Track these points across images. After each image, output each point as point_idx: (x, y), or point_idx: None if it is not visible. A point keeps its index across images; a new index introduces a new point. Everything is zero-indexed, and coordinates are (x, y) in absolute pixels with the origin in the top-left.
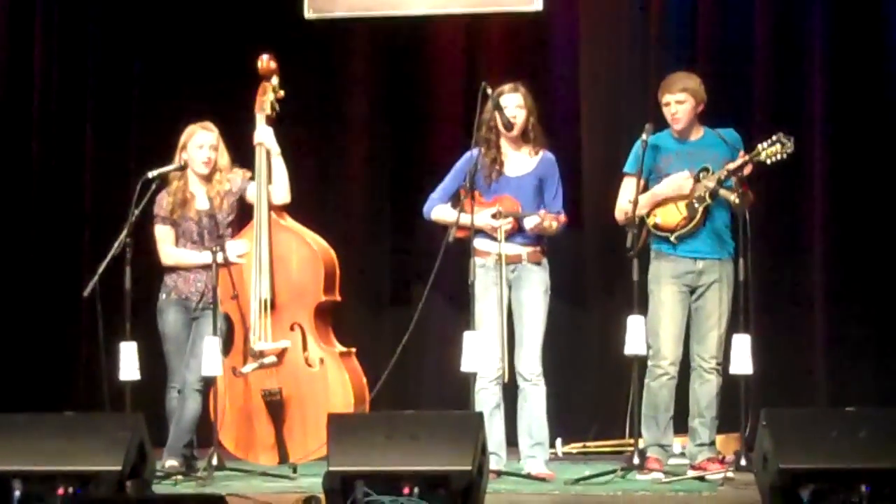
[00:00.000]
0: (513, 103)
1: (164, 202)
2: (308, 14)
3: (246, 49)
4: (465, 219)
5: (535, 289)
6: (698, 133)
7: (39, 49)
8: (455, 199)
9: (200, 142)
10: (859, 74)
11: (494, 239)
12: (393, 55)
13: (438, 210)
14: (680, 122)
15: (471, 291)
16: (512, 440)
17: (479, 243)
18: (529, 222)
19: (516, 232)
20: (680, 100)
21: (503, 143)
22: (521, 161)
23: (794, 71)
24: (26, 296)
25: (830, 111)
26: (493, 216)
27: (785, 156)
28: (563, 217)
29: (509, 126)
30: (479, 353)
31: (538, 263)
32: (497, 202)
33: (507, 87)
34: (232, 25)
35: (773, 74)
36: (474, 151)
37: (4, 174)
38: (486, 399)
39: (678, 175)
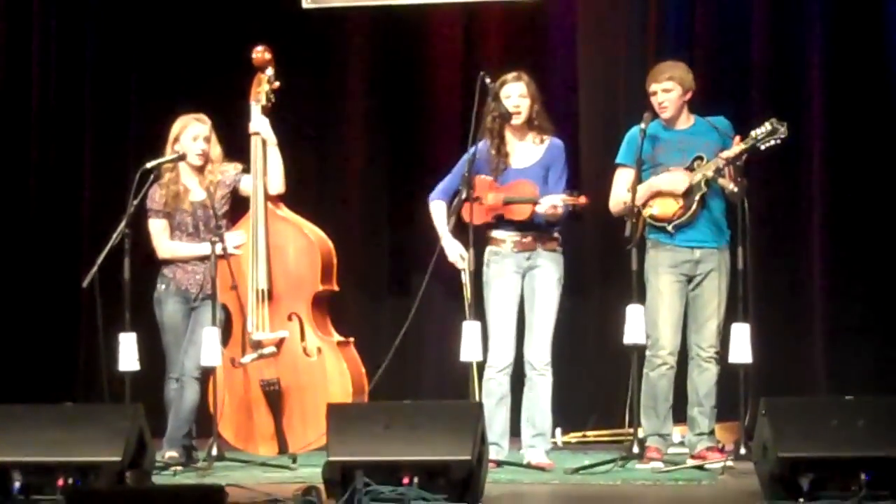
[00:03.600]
0: (516, 92)
1: (156, 195)
2: (306, 4)
3: (244, 40)
4: (442, 230)
5: (549, 277)
6: (689, 121)
7: (37, 40)
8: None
9: (195, 133)
10: (858, 61)
11: (511, 227)
12: (391, 44)
13: (434, 208)
14: (667, 111)
15: (469, 279)
16: (513, 430)
17: (494, 232)
18: (543, 205)
19: (533, 217)
20: (667, 88)
21: (507, 133)
22: (527, 151)
23: (792, 57)
24: (25, 287)
25: (829, 98)
26: (461, 256)
27: (779, 141)
28: (581, 198)
29: (508, 116)
30: (478, 342)
31: (553, 251)
32: (514, 186)
33: (510, 76)
34: (230, 16)
35: (771, 61)
36: (480, 144)
37: (3, 167)
38: (494, 389)
39: (677, 173)
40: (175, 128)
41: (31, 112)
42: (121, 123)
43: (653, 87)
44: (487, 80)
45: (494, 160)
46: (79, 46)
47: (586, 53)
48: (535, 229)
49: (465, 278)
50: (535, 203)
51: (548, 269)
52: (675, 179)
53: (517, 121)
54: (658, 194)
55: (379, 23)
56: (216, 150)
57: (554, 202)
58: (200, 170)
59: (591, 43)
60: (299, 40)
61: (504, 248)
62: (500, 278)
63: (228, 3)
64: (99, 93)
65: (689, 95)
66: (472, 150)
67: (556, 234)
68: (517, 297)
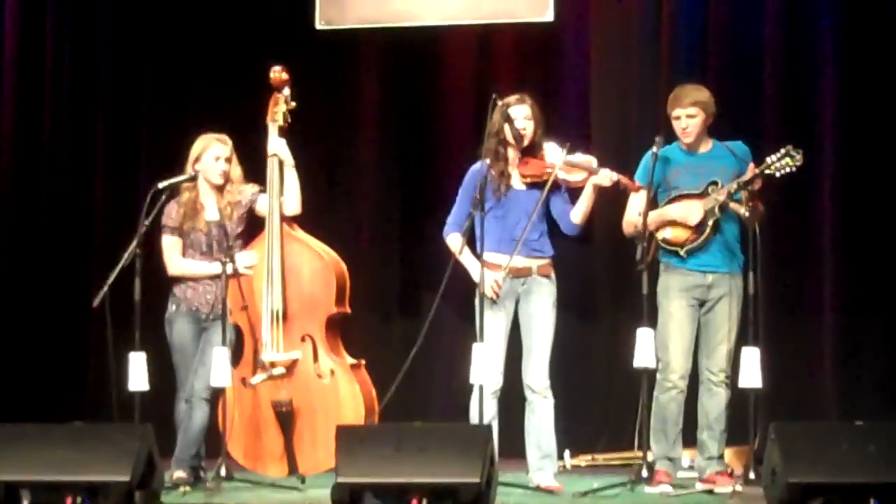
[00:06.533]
0: (521, 115)
1: (173, 212)
2: (319, 25)
3: (257, 60)
4: (468, 260)
5: (544, 302)
6: (707, 146)
7: (50, 58)
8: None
9: (216, 154)
10: (870, 86)
11: (506, 251)
12: (404, 66)
13: (451, 241)
14: (690, 136)
15: (480, 303)
16: (520, 452)
17: (489, 256)
18: (601, 174)
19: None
20: (691, 114)
21: (511, 155)
22: None
23: (804, 83)
24: (36, 306)
25: (841, 123)
26: (496, 282)
27: (794, 168)
28: (636, 183)
29: (520, 138)
30: (487, 365)
31: (548, 277)
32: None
33: (513, 98)
34: (243, 36)
35: (783, 86)
36: (482, 164)
37: (15, 185)
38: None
39: (691, 204)
40: (196, 147)
41: (44, 130)
42: (133, 141)
43: (676, 112)
44: (500, 102)
45: (496, 181)
46: (92, 63)
47: (599, 76)
48: (531, 253)
49: (477, 301)
50: (591, 172)
51: (543, 294)
52: (689, 211)
53: (523, 143)
54: (671, 222)
55: (392, 44)
56: (236, 170)
57: (611, 174)
58: (220, 189)
59: (603, 65)
60: (312, 60)
61: (499, 274)
62: (493, 302)
63: (241, 22)
64: (111, 111)
65: (710, 121)
66: (479, 166)
67: (549, 258)
68: (509, 322)
